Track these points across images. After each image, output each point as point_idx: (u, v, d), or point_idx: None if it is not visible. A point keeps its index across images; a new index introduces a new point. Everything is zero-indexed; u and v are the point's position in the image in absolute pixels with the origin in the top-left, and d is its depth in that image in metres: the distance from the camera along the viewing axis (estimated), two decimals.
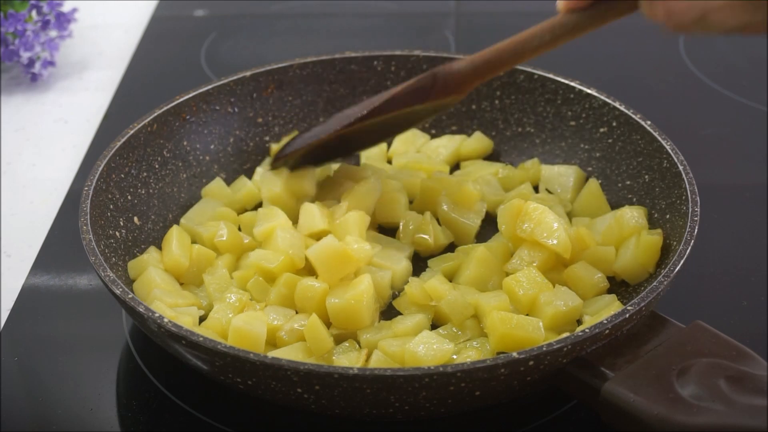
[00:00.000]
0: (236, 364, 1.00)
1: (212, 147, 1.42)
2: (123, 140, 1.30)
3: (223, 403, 1.14)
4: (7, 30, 1.72)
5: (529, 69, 1.43)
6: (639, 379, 0.98)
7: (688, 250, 1.12)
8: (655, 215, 1.26)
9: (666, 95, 1.71)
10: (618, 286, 1.24)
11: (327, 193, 1.36)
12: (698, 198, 1.18)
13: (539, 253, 1.21)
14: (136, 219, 1.29)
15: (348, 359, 1.12)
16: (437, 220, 1.33)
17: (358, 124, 1.28)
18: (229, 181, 1.40)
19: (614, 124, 1.36)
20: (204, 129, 1.41)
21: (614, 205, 1.33)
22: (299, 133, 1.40)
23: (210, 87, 1.42)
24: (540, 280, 1.18)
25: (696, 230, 1.14)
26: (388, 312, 1.22)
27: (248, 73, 1.44)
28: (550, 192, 1.39)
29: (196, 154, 1.40)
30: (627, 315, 1.02)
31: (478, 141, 1.46)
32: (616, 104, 1.36)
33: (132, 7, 2.05)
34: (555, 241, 1.20)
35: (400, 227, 1.32)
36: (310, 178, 1.36)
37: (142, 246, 1.28)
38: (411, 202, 1.38)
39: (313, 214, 1.26)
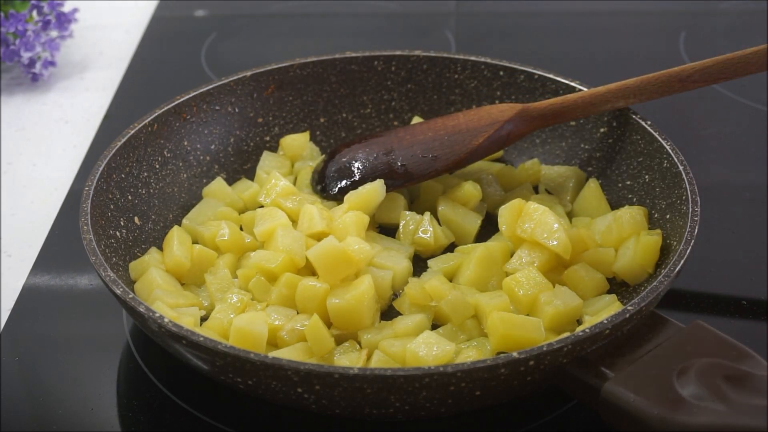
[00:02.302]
0: (237, 364, 1.00)
1: (212, 147, 1.42)
2: (123, 140, 1.30)
3: (223, 403, 1.14)
4: (7, 30, 1.72)
5: (529, 69, 1.43)
6: (639, 379, 0.98)
7: (688, 250, 1.12)
8: (655, 215, 1.26)
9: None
10: (618, 286, 1.24)
11: None
12: (698, 198, 1.18)
13: (539, 254, 1.21)
14: (136, 219, 1.29)
15: (349, 359, 1.12)
16: (437, 220, 1.33)
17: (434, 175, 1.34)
18: (229, 181, 1.40)
19: (614, 124, 1.36)
20: (204, 129, 1.41)
21: (614, 205, 1.33)
22: (345, 151, 1.39)
23: (210, 87, 1.42)
24: (540, 280, 1.18)
25: (696, 230, 1.14)
26: (389, 312, 1.22)
27: (248, 73, 1.44)
28: (550, 192, 1.39)
29: (196, 154, 1.40)
30: (627, 315, 1.02)
31: None
32: None
33: (132, 7, 2.05)
34: (555, 242, 1.20)
35: (400, 227, 1.32)
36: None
37: (143, 246, 1.28)
38: (411, 202, 1.38)
39: (312, 215, 1.26)
